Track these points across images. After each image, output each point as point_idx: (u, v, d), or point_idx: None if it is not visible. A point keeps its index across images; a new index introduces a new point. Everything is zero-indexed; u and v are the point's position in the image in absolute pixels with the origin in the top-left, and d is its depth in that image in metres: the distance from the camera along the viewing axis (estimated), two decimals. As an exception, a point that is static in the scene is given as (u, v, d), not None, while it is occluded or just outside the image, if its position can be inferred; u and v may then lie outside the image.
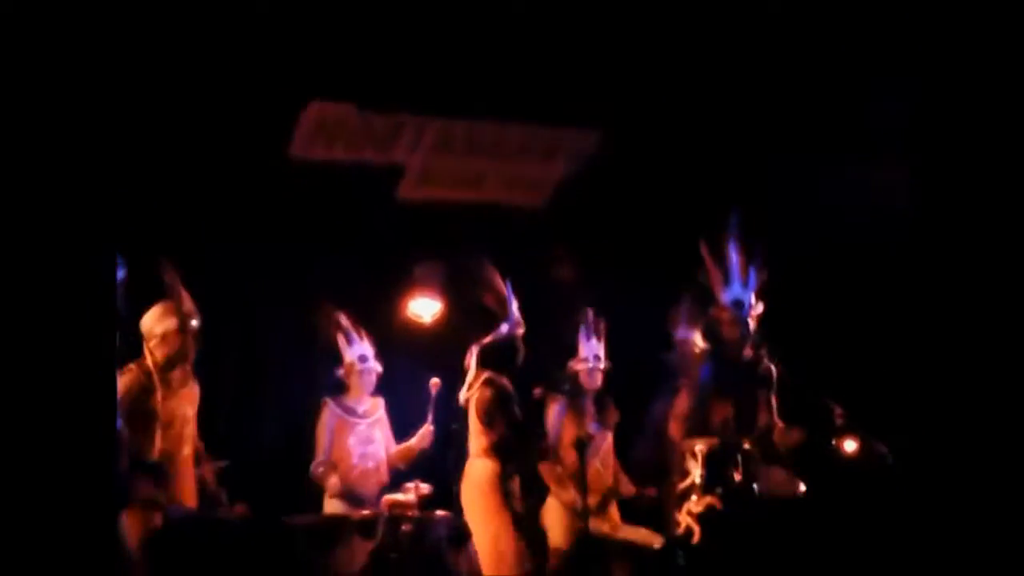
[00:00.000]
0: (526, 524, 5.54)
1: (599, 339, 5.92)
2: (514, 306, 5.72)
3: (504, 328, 5.70)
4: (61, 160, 3.43)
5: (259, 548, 5.02)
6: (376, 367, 5.83)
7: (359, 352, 5.81)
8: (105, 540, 3.52)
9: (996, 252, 4.48)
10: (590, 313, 5.95)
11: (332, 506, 5.61)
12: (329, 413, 5.73)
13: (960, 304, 4.63)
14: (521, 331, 5.72)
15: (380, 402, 5.89)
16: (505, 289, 5.73)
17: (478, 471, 5.54)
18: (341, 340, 5.81)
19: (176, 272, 5.15)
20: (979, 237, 4.53)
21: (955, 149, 4.58)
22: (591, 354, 5.88)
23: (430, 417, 5.68)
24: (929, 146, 6.09)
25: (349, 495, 5.62)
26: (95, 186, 3.48)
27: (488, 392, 5.60)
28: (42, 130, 3.40)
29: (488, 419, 5.57)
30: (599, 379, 5.89)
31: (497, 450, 5.54)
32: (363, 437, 5.76)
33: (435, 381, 5.67)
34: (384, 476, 5.77)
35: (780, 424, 5.55)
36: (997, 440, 4.47)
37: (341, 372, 5.81)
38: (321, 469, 5.60)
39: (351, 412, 5.78)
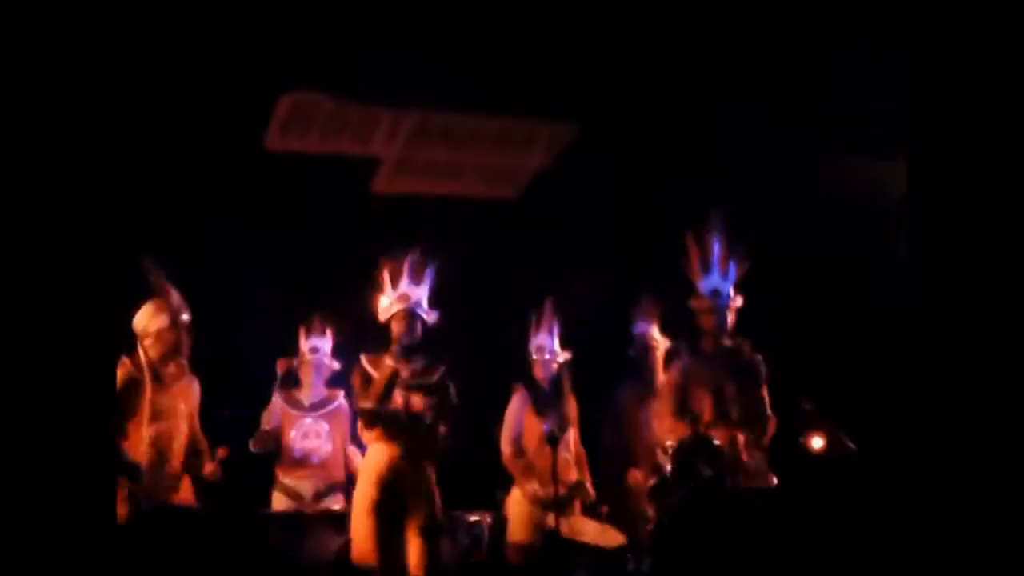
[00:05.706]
0: None
1: (551, 332, 5.84)
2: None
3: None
4: (46, 157, 3.44)
5: (230, 539, 5.05)
6: (326, 360, 5.81)
7: (311, 344, 5.81)
8: (102, 534, 3.55)
9: (977, 251, 4.46)
10: (547, 305, 5.90)
11: (277, 500, 5.66)
12: (274, 404, 5.75)
13: (934, 302, 4.63)
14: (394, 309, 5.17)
15: (338, 394, 5.85)
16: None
17: None
18: (301, 331, 5.82)
19: (160, 269, 5.15)
20: (959, 234, 4.51)
21: (944, 145, 4.53)
22: (540, 346, 5.83)
23: None
24: (917, 140, 6.07)
25: (287, 490, 5.67)
26: (83, 182, 3.50)
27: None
28: (22, 128, 3.42)
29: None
30: (552, 371, 5.82)
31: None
32: (306, 431, 5.75)
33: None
34: (333, 472, 5.74)
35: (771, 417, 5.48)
36: (967, 436, 4.48)
37: (295, 363, 5.81)
38: (258, 445, 5.53)
39: (297, 405, 5.78)
